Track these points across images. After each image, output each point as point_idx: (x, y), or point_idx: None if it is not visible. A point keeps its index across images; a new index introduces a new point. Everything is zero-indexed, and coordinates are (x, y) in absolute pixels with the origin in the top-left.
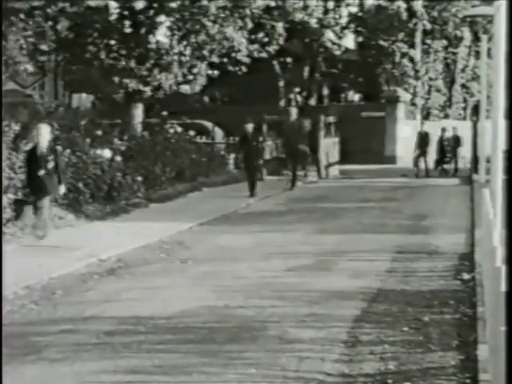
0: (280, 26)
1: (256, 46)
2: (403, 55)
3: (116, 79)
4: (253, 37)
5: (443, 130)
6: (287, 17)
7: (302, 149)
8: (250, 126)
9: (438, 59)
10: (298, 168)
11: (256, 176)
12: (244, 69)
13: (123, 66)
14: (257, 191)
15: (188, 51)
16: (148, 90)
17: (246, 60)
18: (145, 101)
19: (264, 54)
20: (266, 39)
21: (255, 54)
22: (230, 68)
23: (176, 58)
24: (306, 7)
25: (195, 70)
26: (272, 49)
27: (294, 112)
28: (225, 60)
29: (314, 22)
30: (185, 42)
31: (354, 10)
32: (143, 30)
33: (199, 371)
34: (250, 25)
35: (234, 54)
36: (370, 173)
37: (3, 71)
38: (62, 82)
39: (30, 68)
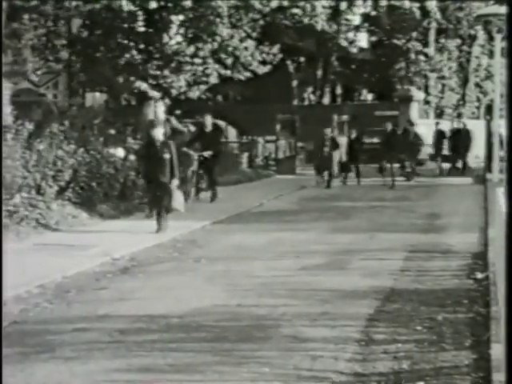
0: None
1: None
2: (417, 53)
3: (127, 77)
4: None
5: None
6: (296, 22)
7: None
8: (158, 132)
9: (452, 58)
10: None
11: (165, 201)
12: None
13: (134, 62)
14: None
15: (201, 52)
16: (158, 92)
17: (256, 67)
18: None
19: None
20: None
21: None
22: (239, 75)
23: (188, 58)
24: (313, 10)
25: (208, 71)
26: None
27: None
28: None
29: (324, 24)
30: (198, 44)
31: (368, 9)
32: (156, 29)
33: (212, 370)
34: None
35: (243, 60)
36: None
37: (15, 70)
38: (75, 81)
39: (41, 67)
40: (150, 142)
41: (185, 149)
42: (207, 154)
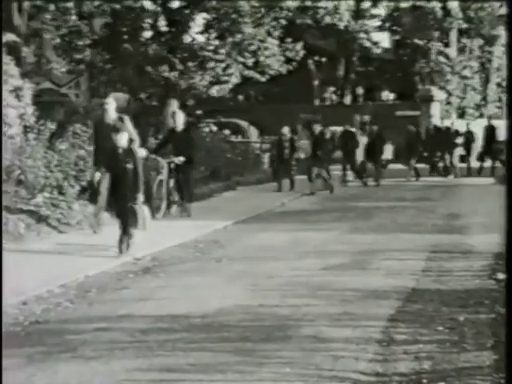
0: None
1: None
2: (439, 53)
3: (150, 70)
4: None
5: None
6: (318, 21)
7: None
8: (122, 136)
9: (474, 58)
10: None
11: (127, 219)
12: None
13: (159, 57)
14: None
15: (223, 50)
16: (183, 85)
17: (279, 66)
18: (180, 98)
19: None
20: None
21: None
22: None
23: (211, 54)
24: (336, 9)
25: (230, 71)
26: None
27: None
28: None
29: (346, 23)
30: (220, 41)
31: (390, 9)
32: (179, 28)
33: (234, 370)
34: (283, 22)
35: (264, 59)
36: (403, 172)
37: (38, 71)
38: (97, 81)
39: (64, 67)
40: (112, 148)
41: (153, 155)
42: (178, 160)
